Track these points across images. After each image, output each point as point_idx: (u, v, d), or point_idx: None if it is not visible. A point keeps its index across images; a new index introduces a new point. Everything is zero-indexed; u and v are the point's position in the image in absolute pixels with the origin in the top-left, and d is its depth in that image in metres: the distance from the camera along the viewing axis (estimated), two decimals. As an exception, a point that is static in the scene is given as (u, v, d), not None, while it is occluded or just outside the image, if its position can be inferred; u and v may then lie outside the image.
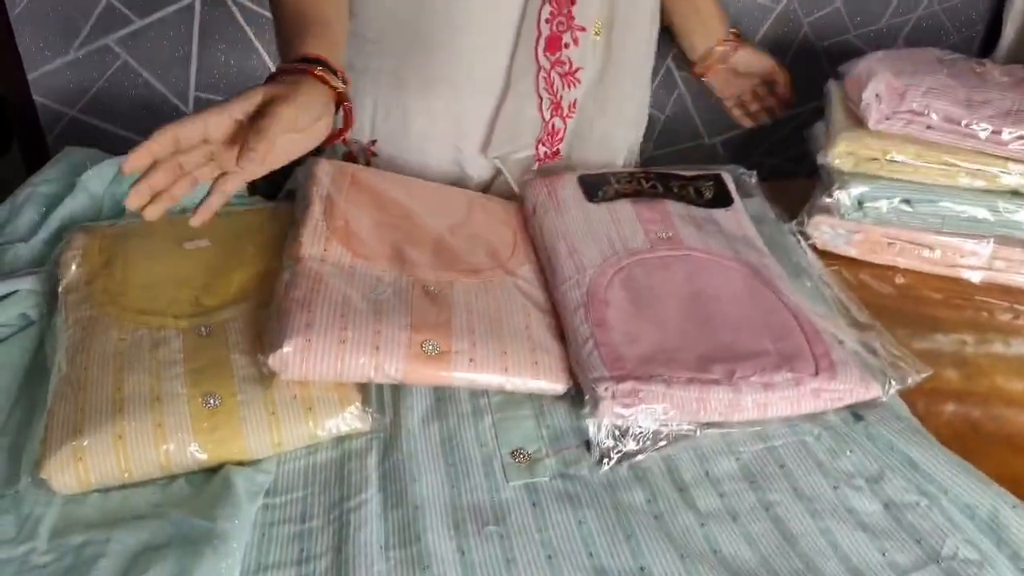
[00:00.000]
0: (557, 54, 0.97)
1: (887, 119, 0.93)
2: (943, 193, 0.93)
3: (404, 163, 1.04)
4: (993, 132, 0.89)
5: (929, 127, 0.91)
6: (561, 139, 1.04)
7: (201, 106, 1.24)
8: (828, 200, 0.97)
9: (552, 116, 1.01)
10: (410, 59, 0.99)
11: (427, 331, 0.76)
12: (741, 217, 0.96)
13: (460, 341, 0.77)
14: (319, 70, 0.78)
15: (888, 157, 0.94)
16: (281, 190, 0.99)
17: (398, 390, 0.77)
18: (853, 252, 0.97)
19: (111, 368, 0.73)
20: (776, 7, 1.34)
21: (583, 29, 0.97)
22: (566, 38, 0.97)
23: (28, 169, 1.29)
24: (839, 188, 0.96)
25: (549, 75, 0.98)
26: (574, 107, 1.02)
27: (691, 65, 1.19)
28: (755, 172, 1.05)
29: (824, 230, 0.97)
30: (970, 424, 0.78)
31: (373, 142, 1.05)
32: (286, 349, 0.72)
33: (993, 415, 0.79)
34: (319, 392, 0.73)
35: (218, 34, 1.21)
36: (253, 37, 1.22)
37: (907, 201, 0.94)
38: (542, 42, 0.96)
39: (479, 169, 1.04)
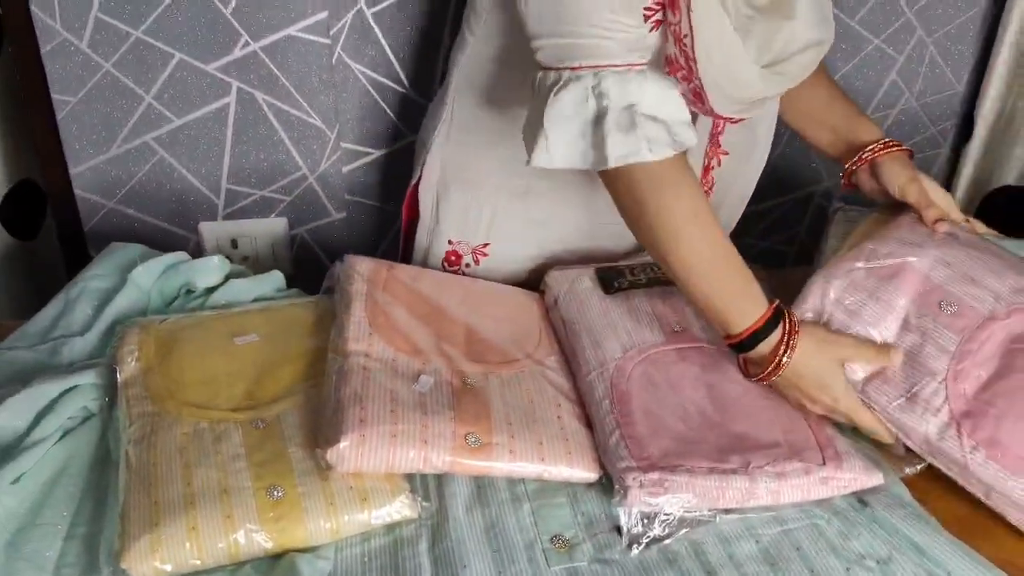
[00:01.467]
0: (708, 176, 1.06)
1: None
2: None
3: (513, 261, 1.12)
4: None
5: None
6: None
7: (231, 199, 1.33)
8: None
9: None
10: (546, 176, 1.04)
11: (469, 424, 0.83)
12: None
13: (500, 434, 0.83)
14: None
15: None
16: (318, 284, 1.06)
17: (440, 478, 0.84)
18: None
19: (179, 463, 0.78)
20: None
21: (726, 153, 1.04)
22: (713, 163, 1.05)
23: (66, 256, 1.36)
24: None
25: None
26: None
27: None
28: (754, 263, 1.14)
29: (821, 322, 1.04)
30: (970, 505, 0.84)
31: (485, 244, 1.12)
32: (343, 444, 0.78)
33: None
34: (372, 483, 0.79)
35: (250, 131, 1.29)
36: (283, 134, 1.30)
37: None
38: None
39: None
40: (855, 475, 0.82)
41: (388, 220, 1.43)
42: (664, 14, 0.84)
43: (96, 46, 1.20)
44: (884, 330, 0.90)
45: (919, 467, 0.85)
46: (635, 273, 1.07)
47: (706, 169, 1.06)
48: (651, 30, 0.85)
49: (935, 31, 1.43)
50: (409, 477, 0.83)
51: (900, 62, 1.45)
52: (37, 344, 0.98)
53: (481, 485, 0.83)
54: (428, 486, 0.83)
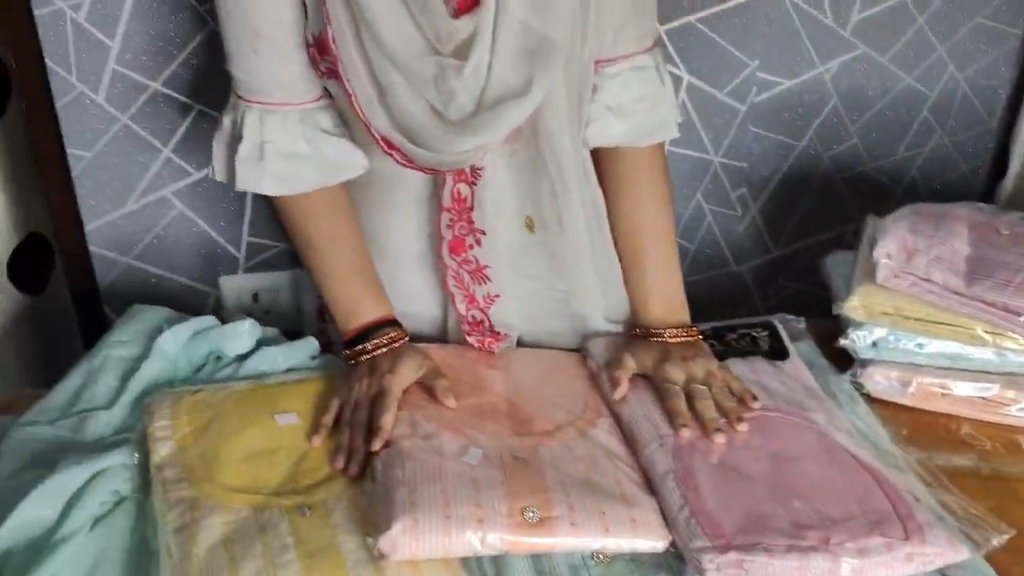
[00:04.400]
0: (462, 254, 0.99)
1: (895, 277, 0.99)
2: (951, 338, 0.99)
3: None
4: (987, 304, 0.95)
5: (931, 292, 0.97)
6: (489, 327, 1.02)
7: (252, 252, 1.29)
8: (845, 342, 1.03)
9: (469, 309, 1.02)
10: (375, 226, 1.01)
11: (525, 497, 0.79)
12: (800, 370, 1.00)
13: (559, 506, 0.79)
14: (401, 332, 0.96)
15: (900, 314, 0.99)
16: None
17: (497, 562, 0.79)
18: (907, 401, 1.01)
19: (223, 557, 0.73)
20: (798, 144, 1.41)
21: (484, 232, 0.97)
22: (469, 241, 0.98)
23: (79, 314, 1.31)
24: (855, 330, 1.02)
25: (458, 273, 1.00)
26: (491, 299, 1.01)
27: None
28: (803, 319, 1.10)
29: (878, 380, 1.01)
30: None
31: None
32: (395, 530, 0.74)
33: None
34: (428, 570, 0.75)
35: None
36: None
37: (919, 344, 1.00)
38: (446, 245, 0.99)
39: None
40: (940, 550, 0.77)
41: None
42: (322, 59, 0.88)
43: (112, 99, 1.16)
44: (959, 241, 1.02)
45: (1006, 537, 0.80)
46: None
47: (456, 246, 0.98)
48: (324, 76, 0.90)
49: (967, 67, 1.41)
50: (464, 561, 0.78)
51: (932, 99, 1.42)
52: (59, 419, 0.93)
53: (541, 571, 0.78)
54: (484, 570, 0.78)
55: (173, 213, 1.24)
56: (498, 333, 1.03)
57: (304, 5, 0.87)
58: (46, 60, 1.12)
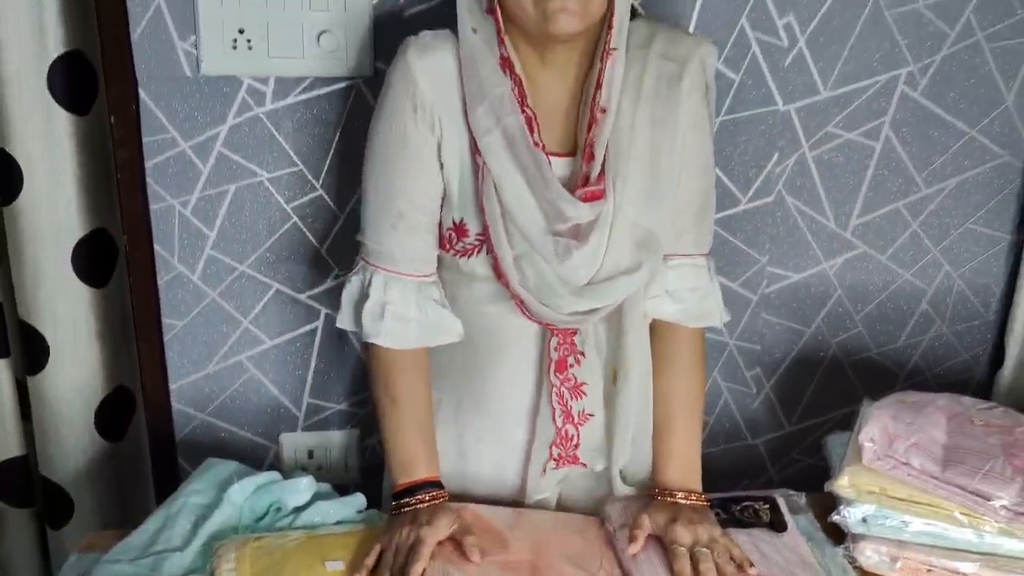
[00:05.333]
0: (565, 372, 1.15)
1: (878, 460, 1.10)
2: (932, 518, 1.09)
3: (461, 485, 1.18)
4: (960, 488, 1.06)
5: (910, 475, 1.08)
6: (576, 445, 1.17)
7: (310, 412, 1.45)
8: (837, 518, 1.13)
9: (565, 423, 1.17)
10: (465, 388, 1.19)
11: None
12: (799, 542, 1.10)
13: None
14: (442, 492, 1.10)
15: (885, 493, 1.10)
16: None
17: None
18: (896, 575, 1.10)
19: None
20: (807, 330, 1.55)
21: (583, 354, 1.15)
22: (570, 360, 1.15)
23: (155, 461, 1.46)
24: (846, 507, 1.12)
25: (560, 390, 1.15)
26: (585, 416, 1.17)
27: None
28: (803, 494, 1.21)
29: (869, 554, 1.10)
30: None
31: None
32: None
33: None
34: None
35: (332, 352, 1.42)
36: (360, 354, 1.43)
37: (904, 522, 1.09)
38: (553, 365, 1.15)
39: (541, 483, 1.19)
40: None
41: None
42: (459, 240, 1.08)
43: (206, 278, 1.36)
44: (937, 429, 1.13)
45: None
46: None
47: (561, 365, 1.13)
48: (456, 255, 1.10)
49: (960, 267, 1.55)
50: None
51: (929, 293, 1.56)
52: (138, 558, 1.07)
53: None
54: None
55: (246, 376, 1.42)
56: (581, 463, 1.17)
57: (445, 194, 1.09)
58: (155, 245, 1.33)
